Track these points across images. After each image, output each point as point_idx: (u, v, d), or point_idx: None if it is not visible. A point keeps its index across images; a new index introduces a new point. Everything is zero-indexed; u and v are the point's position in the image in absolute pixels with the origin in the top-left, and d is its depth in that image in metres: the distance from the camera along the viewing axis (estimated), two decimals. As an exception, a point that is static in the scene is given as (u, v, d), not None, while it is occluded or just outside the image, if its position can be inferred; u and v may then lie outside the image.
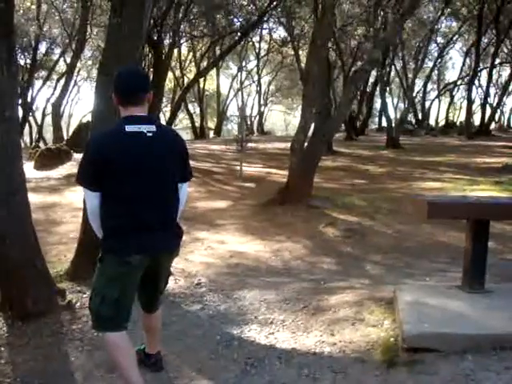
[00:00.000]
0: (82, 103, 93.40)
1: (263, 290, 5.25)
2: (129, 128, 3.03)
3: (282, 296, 4.99)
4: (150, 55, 24.18)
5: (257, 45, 38.55)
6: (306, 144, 10.32)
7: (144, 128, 3.05)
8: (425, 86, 37.32)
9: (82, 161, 3.11)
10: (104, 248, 3.14)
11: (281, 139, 28.30)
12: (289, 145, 10.83)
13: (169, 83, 39.54)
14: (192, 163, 13.21)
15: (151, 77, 24.08)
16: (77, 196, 10.20)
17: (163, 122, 21.62)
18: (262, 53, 40.58)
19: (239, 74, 42.37)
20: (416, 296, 4.24)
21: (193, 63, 37.14)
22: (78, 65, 28.41)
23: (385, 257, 6.94)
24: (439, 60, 34.92)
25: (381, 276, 6.05)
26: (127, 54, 5.08)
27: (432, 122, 41.75)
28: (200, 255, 7.04)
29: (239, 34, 23.35)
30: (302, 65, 28.15)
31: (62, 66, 31.90)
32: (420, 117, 36.76)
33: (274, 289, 5.28)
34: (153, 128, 3.08)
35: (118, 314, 3.16)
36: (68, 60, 27.80)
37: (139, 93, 3.11)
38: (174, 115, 24.65)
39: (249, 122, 40.98)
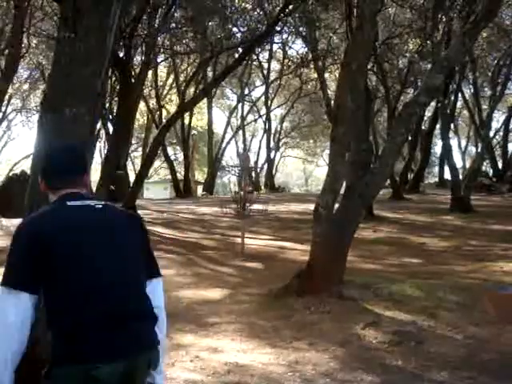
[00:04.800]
0: (13, 145, 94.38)
1: (275, 424, 5.16)
2: (71, 202, 3.25)
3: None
4: (114, 78, 24.66)
5: (265, 65, 39.25)
6: (335, 207, 10.34)
7: (90, 202, 3.29)
8: (507, 121, 37.51)
9: (10, 256, 3.14)
10: (57, 355, 3.02)
11: (299, 198, 28.46)
12: (310, 207, 10.85)
13: (140, 118, 40.18)
14: (173, 232, 13.29)
15: (116, 108, 24.44)
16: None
17: (132, 172, 21.87)
18: (273, 76, 41.27)
19: (240, 105, 42.99)
20: None
21: (174, 90, 37.72)
22: (9, 90, 28.79)
23: (453, 375, 6.82)
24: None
25: (448, 404, 5.95)
26: (83, 83, 5.16)
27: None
28: (183, 370, 6.94)
29: (241, 49, 23.76)
30: (330, 92, 28.66)
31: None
32: (501, 166, 36.87)
33: (292, 422, 5.19)
34: (101, 203, 3.33)
35: None
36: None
37: (76, 175, 3.40)
38: (147, 163, 24.87)
39: (253, 174, 41.26)
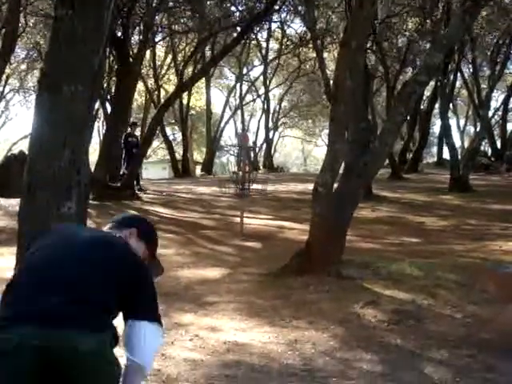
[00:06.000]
0: (11, 125, 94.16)
1: (275, 403, 5.16)
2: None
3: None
4: (112, 58, 24.56)
5: (264, 44, 39.13)
6: (335, 186, 10.32)
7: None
8: (506, 101, 37.28)
9: None
10: None
11: (298, 178, 28.38)
12: (309, 187, 10.82)
13: (138, 98, 40.08)
14: (172, 212, 13.20)
15: (114, 88, 24.38)
16: (3, 261, 10.16)
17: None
18: (271, 56, 41.14)
19: (238, 85, 42.90)
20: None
21: (172, 70, 37.61)
22: (7, 70, 28.66)
23: (452, 353, 6.81)
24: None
25: (447, 383, 5.95)
26: (81, 62, 5.13)
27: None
28: (183, 349, 6.94)
29: (239, 28, 23.67)
30: (328, 72, 28.54)
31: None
32: (499, 146, 36.74)
33: (291, 401, 5.19)
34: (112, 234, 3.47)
35: None
36: (-9, 63, 28.00)
37: None
38: (146, 144, 24.79)
39: (252, 154, 41.13)
